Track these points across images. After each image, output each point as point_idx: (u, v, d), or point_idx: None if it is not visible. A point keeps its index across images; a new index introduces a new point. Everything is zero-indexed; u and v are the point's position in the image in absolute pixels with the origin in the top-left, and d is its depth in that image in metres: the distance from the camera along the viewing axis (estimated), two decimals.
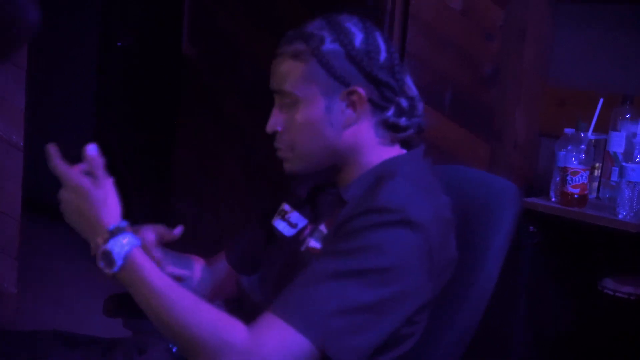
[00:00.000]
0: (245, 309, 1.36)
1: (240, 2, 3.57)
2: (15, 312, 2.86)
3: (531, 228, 2.62)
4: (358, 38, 1.46)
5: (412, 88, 1.52)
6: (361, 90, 1.45)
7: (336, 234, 1.36)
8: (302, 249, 1.47)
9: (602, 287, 2.48)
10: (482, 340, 1.56)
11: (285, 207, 1.61)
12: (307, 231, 1.51)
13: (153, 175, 4.55)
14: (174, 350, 1.61)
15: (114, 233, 1.32)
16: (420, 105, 1.52)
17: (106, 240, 1.31)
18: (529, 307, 2.67)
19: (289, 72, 1.47)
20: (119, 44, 4.96)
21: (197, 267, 1.71)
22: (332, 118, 1.46)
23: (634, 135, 2.58)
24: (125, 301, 1.82)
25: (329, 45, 1.45)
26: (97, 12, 5.04)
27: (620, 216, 2.43)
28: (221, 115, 3.68)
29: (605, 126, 2.65)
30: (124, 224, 1.33)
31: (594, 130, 2.63)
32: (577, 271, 2.68)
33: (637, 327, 2.50)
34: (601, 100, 2.63)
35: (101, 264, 1.32)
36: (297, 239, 1.52)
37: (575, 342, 2.68)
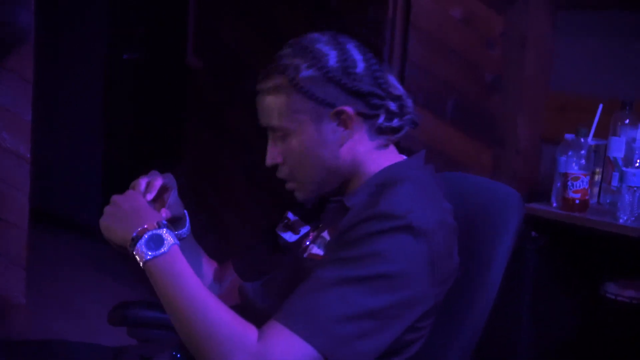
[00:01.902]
0: (248, 316, 1.38)
1: (244, 16, 3.59)
2: (24, 322, 2.87)
3: (533, 233, 2.62)
4: (332, 57, 1.45)
5: (397, 87, 1.51)
6: (347, 109, 1.45)
7: (339, 241, 1.37)
8: (305, 255, 1.48)
9: (604, 291, 2.48)
10: (485, 345, 1.57)
11: (289, 214, 1.63)
12: (310, 238, 1.53)
13: None
14: (178, 356, 1.63)
15: (167, 226, 1.38)
16: (409, 102, 1.52)
17: (158, 227, 1.37)
18: (531, 311, 2.67)
19: (274, 107, 1.47)
20: (124, 56, 4.99)
21: (209, 271, 1.73)
22: (326, 140, 1.46)
23: (634, 140, 2.57)
24: (130, 310, 1.86)
25: (305, 72, 1.44)
26: (103, 25, 5.07)
27: (621, 221, 2.43)
28: (225, 127, 3.70)
29: (605, 132, 2.66)
30: (171, 226, 1.42)
31: (594, 136, 2.64)
32: (579, 276, 2.68)
33: (639, 331, 2.50)
34: (600, 105, 2.64)
35: (145, 247, 1.35)
36: (300, 245, 1.54)
37: (578, 347, 2.68)
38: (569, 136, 2.64)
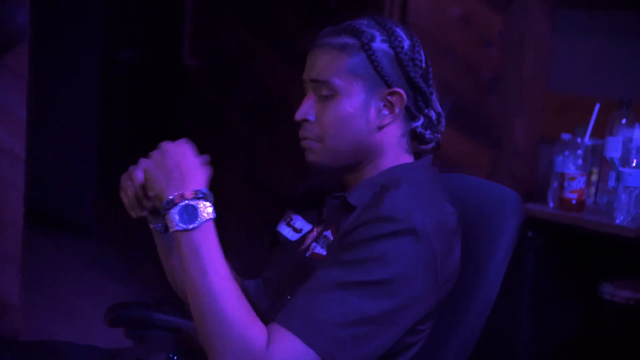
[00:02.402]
0: None
1: (242, 16, 3.59)
2: (18, 323, 2.86)
3: (530, 233, 2.63)
4: (406, 43, 1.46)
5: (437, 104, 1.53)
6: (403, 93, 1.45)
7: (341, 243, 1.37)
8: (308, 254, 1.48)
9: (600, 292, 2.48)
10: (485, 345, 1.57)
11: (290, 212, 1.62)
12: (312, 236, 1.52)
13: None
14: (175, 358, 1.62)
15: (205, 196, 1.34)
16: (443, 123, 1.53)
17: (195, 197, 1.33)
18: (530, 312, 2.67)
19: (333, 63, 1.44)
20: (120, 56, 4.99)
21: None
22: (368, 116, 1.45)
23: (631, 140, 2.58)
24: (126, 310, 1.85)
25: (380, 44, 1.44)
26: (99, 24, 5.06)
27: (617, 221, 2.45)
28: (222, 127, 3.70)
29: (602, 132, 2.66)
30: (211, 194, 1.35)
31: (591, 136, 2.64)
32: (576, 276, 2.69)
33: (636, 331, 2.50)
34: (597, 105, 2.65)
35: (177, 216, 1.32)
36: (302, 243, 1.53)
37: (577, 347, 2.69)
38: (565, 136, 2.65)
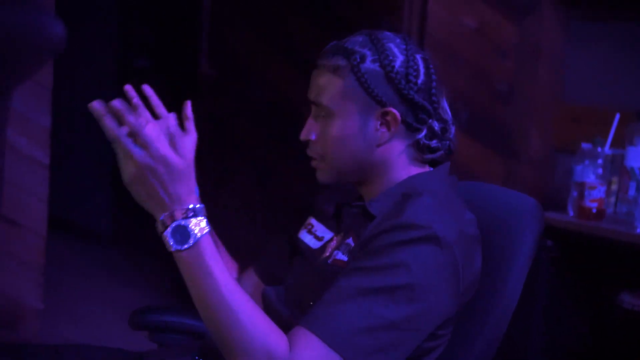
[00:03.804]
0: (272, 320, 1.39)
1: (256, 26, 3.60)
2: (39, 327, 2.88)
3: (549, 242, 2.63)
4: (398, 60, 1.46)
5: (447, 111, 1.53)
6: (396, 112, 1.45)
7: (362, 250, 1.38)
8: (330, 261, 1.49)
9: (619, 301, 2.48)
10: (499, 353, 1.57)
11: (312, 220, 1.63)
12: (334, 244, 1.53)
13: None
14: None
15: (195, 212, 1.29)
16: (452, 129, 1.54)
17: (185, 216, 1.28)
18: (546, 320, 2.67)
19: (327, 85, 1.47)
20: (134, 64, 5.01)
21: (232, 268, 1.73)
22: (366, 135, 1.47)
23: None
24: (151, 315, 1.87)
25: (369, 64, 1.45)
26: (113, 33, 5.08)
27: (637, 230, 2.44)
28: (236, 134, 3.71)
29: (621, 142, 2.67)
30: (202, 206, 1.30)
31: (610, 146, 2.65)
32: (595, 285, 2.68)
33: None
34: (617, 115, 2.64)
35: (171, 238, 1.27)
36: (323, 251, 1.54)
37: (593, 356, 2.69)
38: (585, 145, 2.65)
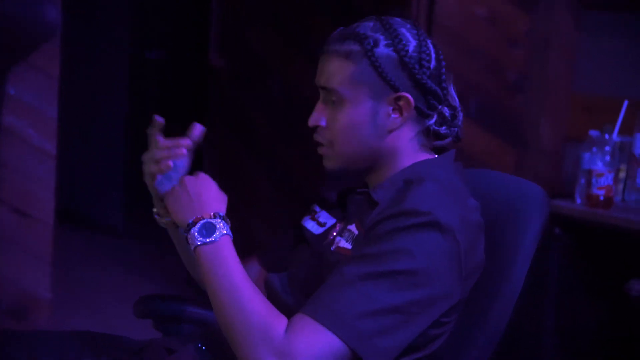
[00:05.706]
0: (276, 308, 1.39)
1: (267, 17, 3.60)
2: (49, 316, 2.90)
3: (557, 230, 2.62)
4: (411, 44, 1.45)
5: (455, 98, 1.53)
6: (409, 97, 1.45)
7: (365, 237, 1.38)
8: (332, 248, 1.49)
9: (628, 289, 2.48)
10: (509, 344, 1.57)
11: (315, 207, 1.63)
12: (336, 230, 1.53)
13: None
14: (203, 349, 1.64)
15: (223, 218, 1.42)
16: (460, 116, 1.53)
17: (214, 217, 1.41)
18: (555, 309, 2.67)
19: (339, 70, 1.46)
20: (147, 55, 5.02)
21: None
22: (377, 121, 1.46)
23: None
24: (155, 303, 1.87)
25: (383, 49, 1.44)
26: (126, 24, 5.09)
27: None
28: (247, 126, 3.72)
29: (629, 130, 2.65)
30: (228, 220, 1.44)
31: (619, 134, 2.63)
32: (603, 273, 2.68)
33: None
34: (625, 102, 2.64)
35: (196, 233, 1.40)
36: (326, 237, 1.54)
37: (602, 345, 2.68)
38: (593, 133, 2.64)
